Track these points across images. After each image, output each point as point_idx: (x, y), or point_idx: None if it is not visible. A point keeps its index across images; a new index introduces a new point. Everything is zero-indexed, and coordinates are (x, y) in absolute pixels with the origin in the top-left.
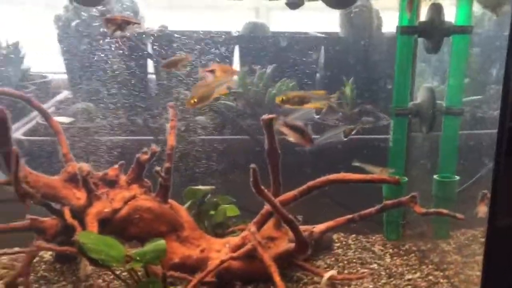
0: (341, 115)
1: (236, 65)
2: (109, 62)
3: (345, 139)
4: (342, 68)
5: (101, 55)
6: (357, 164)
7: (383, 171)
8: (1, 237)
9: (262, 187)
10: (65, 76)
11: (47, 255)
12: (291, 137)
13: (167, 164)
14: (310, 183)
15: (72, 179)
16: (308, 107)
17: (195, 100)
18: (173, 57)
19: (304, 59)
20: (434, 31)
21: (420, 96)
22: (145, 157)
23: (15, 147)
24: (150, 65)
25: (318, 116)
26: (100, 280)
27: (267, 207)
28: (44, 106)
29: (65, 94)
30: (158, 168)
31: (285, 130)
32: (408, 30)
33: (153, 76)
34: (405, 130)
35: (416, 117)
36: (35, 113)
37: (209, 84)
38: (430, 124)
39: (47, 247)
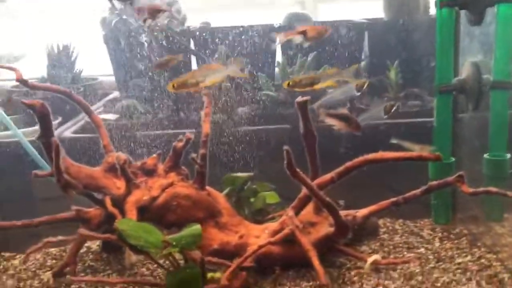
0: (386, 99)
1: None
2: (154, 59)
3: (386, 116)
4: (387, 53)
5: (145, 53)
6: (395, 141)
7: (424, 149)
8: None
9: (297, 169)
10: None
11: (94, 246)
12: (338, 126)
13: (202, 151)
14: (348, 163)
15: (112, 169)
16: (318, 87)
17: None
18: (163, 58)
19: (347, 46)
20: (476, 2)
21: (464, 72)
22: (181, 144)
23: (55, 138)
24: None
25: (359, 93)
26: (144, 269)
27: (305, 191)
28: (95, 106)
29: (114, 94)
30: (194, 155)
31: (330, 120)
32: (448, 2)
33: None
34: (450, 108)
35: (462, 93)
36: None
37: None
38: (476, 100)
39: (89, 234)
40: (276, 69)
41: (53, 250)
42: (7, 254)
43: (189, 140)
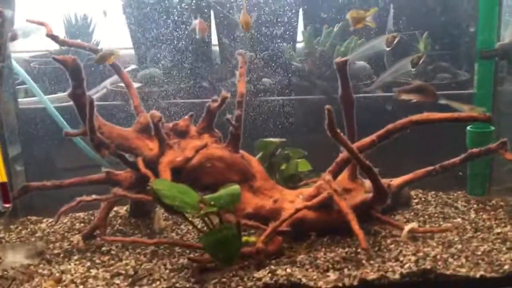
0: (414, 72)
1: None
2: (173, 30)
3: (413, 69)
4: (415, 20)
5: (165, 22)
6: (443, 101)
7: (473, 109)
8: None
9: (338, 130)
10: (132, 52)
11: (123, 211)
12: (416, 99)
13: (237, 112)
14: (390, 125)
15: (144, 130)
16: None
17: None
18: (102, 52)
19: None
20: None
21: (508, 36)
22: (215, 104)
23: (89, 94)
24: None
25: (414, 70)
26: (174, 234)
27: (342, 155)
28: (113, 78)
29: (132, 67)
30: (229, 116)
31: (407, 97)
32: None
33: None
34: (492, 74)
35: (504, 59)
36: (105, 82)
37: None
38: None
39: (123, 194)
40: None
41: (80, 214)
42: (33, 218)
43: (225, 99)
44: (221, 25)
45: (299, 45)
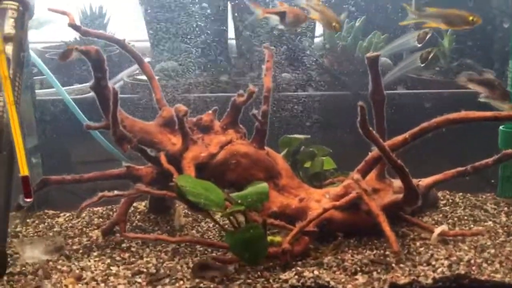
0: (438, 69)
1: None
2: (191, 24)
3: (423, 64)
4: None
5: (182, 17)
6: (482, 99)
7: None
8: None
9: (370, 128)
10: (147, 44)
11: (141, 206)
12: (484, 93)
13: (264, 107)
14: (424, 124)
15: (167, 124)
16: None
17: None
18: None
19: (392, 9)
20: None
21: None
22: (242, 99)
23: (114, 86)
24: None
25: (420, 45)
26: (194, 231)
27: (372, 153)
28: (128, 70)
29: (147, 59)
30: (255, 111)
31: (472, 85)
32: None
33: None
34: None
35: None
36: (121, 74)
37: None
38: None
39: (146, 190)
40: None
41: (99, 208)
42: (50, 212)
43: (252, 94)
44: (238, 17)
45: (316, 40)
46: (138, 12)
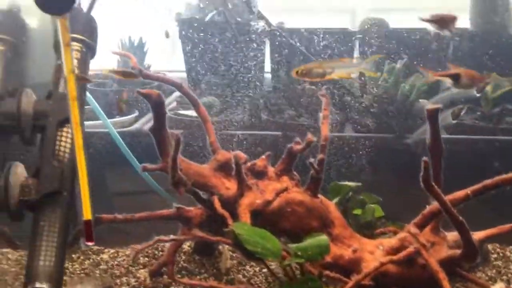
0: (479, 114)
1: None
2: (229, 60)
3: (454, 121)
4: (475, 64)
5: (221, 52)
6: None
7: None
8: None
9: (433, 183)
10: (183, 75)
11: (186, 246)
12: None
13: (320, 156)
14: (487, 181)
15: (222, 168)
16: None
17: (300, 70)
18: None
19: (430, 55)
20: None
21: None
22: (299, 147)
23: (178, 132)
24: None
25: (455, 121)
26: (240, 275)
27: (430, 207)
28: (172, 105)
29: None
30: (311, 160)
31: None
32: None
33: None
34: None
35: None
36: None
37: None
38: None
39: (202, 236)
40: (353, 75)
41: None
42: (95, 248)
43: (310, 143)
44: (276, 54)
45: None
46: (174, 42)
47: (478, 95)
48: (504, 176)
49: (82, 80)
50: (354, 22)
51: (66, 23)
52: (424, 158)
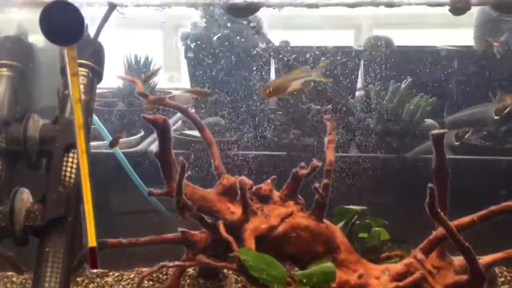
0: (486, 133)
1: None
2: (234, 79)
3: (457, 143)
4: (480, 83)
5: (226, 72)
6: None
7: None
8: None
9: (439, 210)
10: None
11: (191, 270)
12: None
13: (325, 180)
14: (493, 207)
15: (226, 192)
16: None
17: (270, 89)
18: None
19: (436, 73)
20: None
21: None
22: (304, 172)
23: (183, 159)
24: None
25: (458, 143)
26: None
27: (436, 233)
28: (172, 120)
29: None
30: (316, 185)
31: None
32: None
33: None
34: None
35: None
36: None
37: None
38: None
39: (208, 262)
40: (357, 93)
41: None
42: (99, 271)
43: (316, 168)
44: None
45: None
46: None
47: (496, 117)
48: (510, 203)
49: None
50: (359, 39)
51: (74, 53)
52: (430, 184)
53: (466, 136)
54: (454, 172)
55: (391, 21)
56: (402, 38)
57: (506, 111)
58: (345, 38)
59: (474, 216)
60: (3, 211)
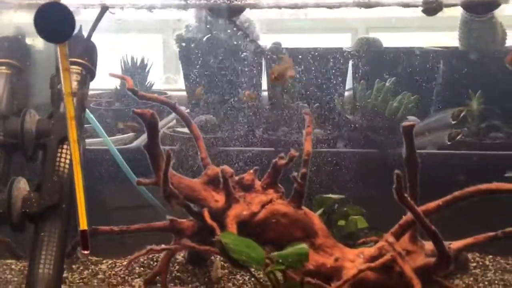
0: (466, 130)
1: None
2: (226, 79)
3: (449, 143)
4: (464, 82)
5: (219, 72)
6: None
7: None
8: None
9: (406, 195)
10: (183, 93)
11: (179, 257)
12: None
13: (303, 170)
14: (457, 193)
15: (211, 182)
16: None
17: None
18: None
19: (421, 73)
20: None
21: None
22: (282, 162)
23: (168, 149)
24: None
25: (454, 122)
26: (230, 284)
27: (406, 217)
28: (167, 119)
29: (183, 109)
30: (295, 174)
31: None
32: None
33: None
34: None
35: None
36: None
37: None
38: None
39: (191, 245)
40: (346, 93)
41: (141, 258)
42: (94, 259)
43: (293, 158)
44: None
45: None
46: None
47: (453, 122)
48: (469, 188)
49: None
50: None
51: (65, 50)
52: (396, 171)
53: (458, 137)
54: (438, 164)
55: (387, 24)
56: (401, 40)
57: (461, 116)
58: (342, 41)
59: (439, 201)
60: (1, 199)
